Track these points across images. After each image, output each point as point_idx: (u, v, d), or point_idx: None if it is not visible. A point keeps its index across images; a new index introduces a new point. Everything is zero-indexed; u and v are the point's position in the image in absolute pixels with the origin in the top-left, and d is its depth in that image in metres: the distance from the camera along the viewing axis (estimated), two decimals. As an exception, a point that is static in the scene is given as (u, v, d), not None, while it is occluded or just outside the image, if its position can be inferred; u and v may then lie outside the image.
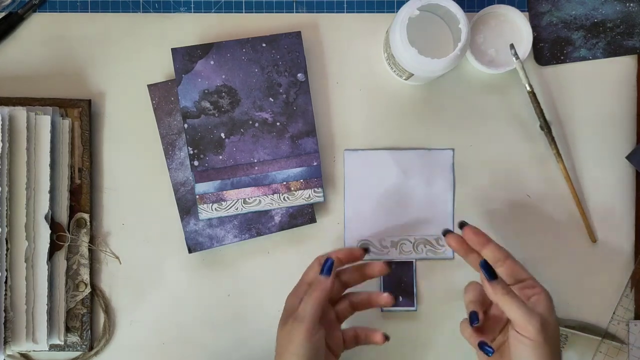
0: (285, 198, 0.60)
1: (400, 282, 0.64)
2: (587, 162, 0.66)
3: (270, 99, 0.60)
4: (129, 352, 0.65)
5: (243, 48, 0.60)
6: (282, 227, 0.61)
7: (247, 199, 0.60)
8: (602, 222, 0.66)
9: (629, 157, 0.65)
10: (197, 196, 0.60)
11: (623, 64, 0.66)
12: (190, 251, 0.62)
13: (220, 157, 0.60)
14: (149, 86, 0.61)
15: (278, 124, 0.60)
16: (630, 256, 0.66)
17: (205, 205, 0.60)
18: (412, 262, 0.65)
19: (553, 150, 0.65)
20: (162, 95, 0.61)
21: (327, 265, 0.54)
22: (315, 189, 0.61)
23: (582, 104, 0.66)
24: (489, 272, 0.51)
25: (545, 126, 0.64)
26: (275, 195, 0.60)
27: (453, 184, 0.65)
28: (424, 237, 0.65)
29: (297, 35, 0.61)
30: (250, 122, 0.60)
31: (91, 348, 0.64)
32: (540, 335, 0.48)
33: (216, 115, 0.60)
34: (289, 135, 0.60)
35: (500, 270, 0.53)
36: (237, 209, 0.60)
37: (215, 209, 0.60)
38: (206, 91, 0.60)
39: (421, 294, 0.65)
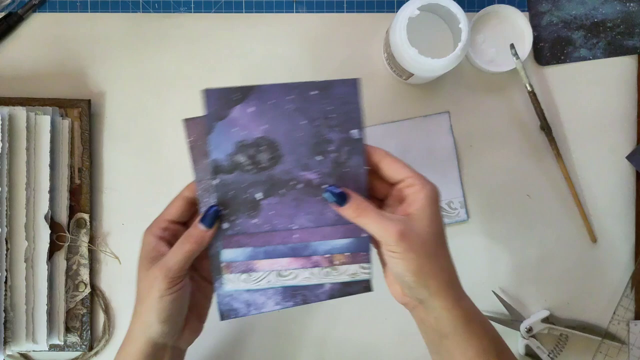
0: (327, 273, 0.52)
1: None
2: (587, 162, 0.66)
3: (318, 157, 0.50)
4: (129, 352, 0.65)
5: (290, 94, 0.50)
6: (333, 295, 0.52)
7: (282, 272, 0.51)
8: (602, 222, 0.66)
9: (629, 157, 0.65)
10: (223, 264, 0.51)
11: (623, 63, 0.66)
12: (222, 318, 0.51)
13: (254, 220, 0.50)
14: (185, 121, 0.50)
15: (325, 186, 0.50)
16: (630, 256, 0.66)
17: (231, 275, 0.51)
18: None
19: (553, 150, 0.65)
20: (201, 132, 0.50)
21: (210, 214, 0.48)
22: (363, 265, 0.51)
23: (582, 104, 0.66)
24: (337, 197, 0.47)
25: (545, 126, 0.64)
26: (315, 268, 0.51)
27: (454, 146, 0.65)
28: None
29: (355, 83, 0.50)
30: (293, 183, 0.50)
31: (91, 348, 0.64)
32: (401, 244, 0.45)
33: (253, 172, 0.50)
34: None
35: (381, 173, 0.49)
36: (269, 282, 0.51)
37: (244, 280, 0.51)
38: (243, 143, 0.50)
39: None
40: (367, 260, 0.51)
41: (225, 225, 0.50)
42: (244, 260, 0.51)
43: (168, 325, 0.47)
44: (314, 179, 0.50)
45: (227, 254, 0.50)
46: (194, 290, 0.50)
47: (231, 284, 0.51)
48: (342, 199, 0.47)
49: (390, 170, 0.48)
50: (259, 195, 0.50)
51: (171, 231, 0.49)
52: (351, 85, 0.50)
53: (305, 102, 0.50)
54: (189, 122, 0.50)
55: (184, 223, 0.50)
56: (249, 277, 0.51)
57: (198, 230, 0.47)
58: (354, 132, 0.50)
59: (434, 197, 0.47)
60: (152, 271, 0.47)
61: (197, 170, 0.50)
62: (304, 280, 0.51)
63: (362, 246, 0.51)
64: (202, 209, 0.49)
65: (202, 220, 0.47)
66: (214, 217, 0.48)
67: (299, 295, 0.52)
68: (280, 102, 0.50)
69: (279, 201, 0.50)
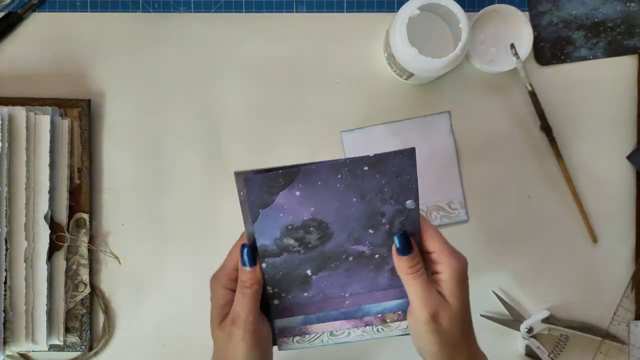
0: (380, 330, 0.51)
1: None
2: (587, 162, 0.66)
3: (370, 230, 0.48)
4: (129, 352, 0.65)
5: (338, 174, 0.46)
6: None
7: (334, 332, 0.51)
8: (602, 222, 0.66)
9: (629, 157, 0.65)
10: (277, 331, 0.50)
11: (623, 63, 0.66)
12: (279, 348, 0.52)
13: (306, 294, 0.50)
14: (236, 175, 0.47)
15: (377, 256, 0.49)
16: (631, 256, 0.66)
17: (285, 338, 0.51)
18: None
19: (553, 150, 0.65)
20: (260, 187, 0.47)
21: (244, 255, 0.47)
22: None
23: (582, 103, 0.66)
24: (403, 244, 0.47)
25: (545, 126, 0.64)
26: (367, 327, 0.51)
27: (455, 146, 0.65)
28: (435, 204, 0.65)
29: (410, 153, 0.46)
30: (344, 257, 0.49)
31: (91, 348, 0.64)
32: (430, 324, 0.46)
33: (302, 252, 0.49)
34: (389, 268, 0.49)
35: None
36: (322, 341, 0.51)
37: (297, 341, 0.51)
38: (290, 227, 0.48)
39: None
40: None
41: (276, 302, 0.50)
42: (296, 326, 0.51)
43: None
44: (365, 250, 0.49)
45: (280, 323, 0.50)
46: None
47: (285, 345, 0.51)
48: (407, 250, 0.47)
49: (424, 239, 0.48)
50: (309, 272, 0.49)
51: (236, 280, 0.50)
52: (406, 157, 0.46)
53: (356, 179, 0.47)
54: (249, 182, 0.46)
55: None
56: (302, 338, 0.51)
57: (245, 273, 0.48)
58: (409, 203, 0.47)
59: (461, 276, 0.47)
60: (233, 330, 0.47)
61: (249, 226, 0.48)
62: (357, 337, 0.51)
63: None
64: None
65: (243, 263, 0.48)
66: (250, 255, 0.47)
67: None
68: (328, 183, 0.47)
69: (330, 274, 0.49)
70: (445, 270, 0.47)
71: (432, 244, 0.47)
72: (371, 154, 0.46)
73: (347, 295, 0.50)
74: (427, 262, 0.48)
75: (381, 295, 0.50)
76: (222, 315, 0.49)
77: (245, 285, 0.48)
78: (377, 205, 0.47)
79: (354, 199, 0.47)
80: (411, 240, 0.47)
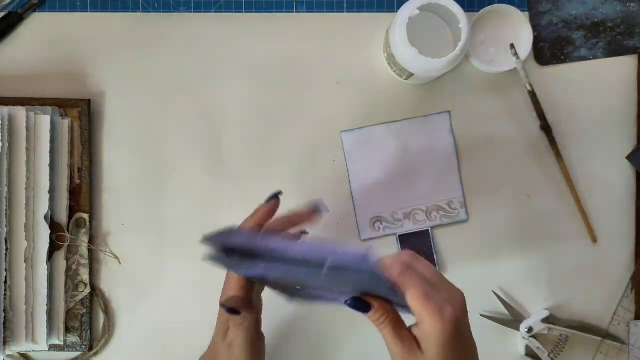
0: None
1: (419, 253, 0.62)
2: (587, 162, 0.66)
3: (341, 289, 0.46)
4: (129, 352, 0.65)
5: (300, 267, 0.45)
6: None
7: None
8: (602, 222, 0.66)
9: (629, 157, 0.65)
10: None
11: (623, 64, 0.66)
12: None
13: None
14: (205, 241, 0.49)
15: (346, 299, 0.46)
16: (631, 256, 0.66)
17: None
18: (428, 230, 0.64)
19: (553, 150, 0.65)
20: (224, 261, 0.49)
21: (227, 308, 0.50)
22: None
23: (582, 104, 0.66)
24: (360, 308, 0.45)
25: (545, 126, 0.64)
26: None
27: (455, 145, 0.65)
28: (435, 204, 0.65)
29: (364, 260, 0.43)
30: (316, 294, 0.49)
31: (91, 348, 0.64)
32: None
33: (280, 285, 0.51)
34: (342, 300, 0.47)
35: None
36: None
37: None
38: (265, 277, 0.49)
39: (442, 261, 0.65)
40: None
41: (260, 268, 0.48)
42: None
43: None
44: (336, 294, 0.47)
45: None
46: None
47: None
48: (364, 309, 0.45)
49: (405, 294, 0.43)
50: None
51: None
52: (363, 261, 0.43)
53: (315, 275, 0.44)
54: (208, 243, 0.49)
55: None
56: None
57: (235, 319, 0.52)
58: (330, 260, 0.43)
59: (443, 339, 0.42)
60: (233, 352, 0.52)
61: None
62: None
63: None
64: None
65: (226, 309, 0.51)
66: (234, 310, 0.51)
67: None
68: (290, 273, 0.46)
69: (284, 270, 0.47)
70: (425, 331, 0.43)
71: (413, 304, 0.43)
72: (328, 263, 0.43)
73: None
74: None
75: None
76: (225, 330, 0.53)
77: (237, 323, 0.51)
78: (342, 286, 0.46)
79: (318, 275, 0.44)
80: (364, 300, 0.45)
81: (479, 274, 0.65)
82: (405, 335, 0.45)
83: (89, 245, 0.63)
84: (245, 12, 0.65)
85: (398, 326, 0.45)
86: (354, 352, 0.65)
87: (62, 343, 0.63)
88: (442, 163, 0.65)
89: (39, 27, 0.65)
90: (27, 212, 0.59)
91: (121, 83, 0.65)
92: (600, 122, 0.66)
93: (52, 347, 0.63)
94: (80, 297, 0.63)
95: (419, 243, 0.64)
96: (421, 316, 0.43)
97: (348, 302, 0.45)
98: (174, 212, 0.64)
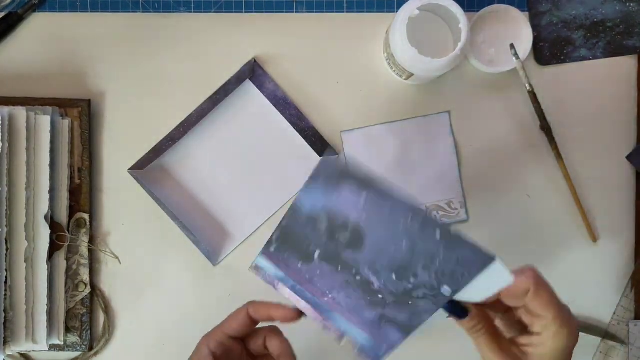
0: (333, 339, 0.49)
1: None
2: (587, 162, 0.66)
3: (393, 275, 0.46)
4: (129, 352, 0.65)
5: (411, 216, 0.45)
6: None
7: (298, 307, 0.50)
8: (602, 222, 0.66)
9: (629, 157, 0.65)
10: (253, 265, 0.50)
11: (623, 64, 0.66)
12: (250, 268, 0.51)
13: (299, 265, 0.49)
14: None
15: (380, 296, 0.47)
16: (631, 256, 0.66)
17: (256, 270, 0.50)
18: None
19: (553, 150, 0.65)
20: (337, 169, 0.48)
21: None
22: None
23: (582, 103, 0.66)
24: (456, 312, 0.43)
25: (545, 126, 0.64)
26: (325, 330, 0.49)
27: (454, 146, 0.65)
28: (436, 204, 0.65)
29: (488, 262, 0.43)
30: (353, 271, 0.47)
31: (91, 348, 0.64)
32: None
33: (324, 237, 0.48)
34: (381, 314, 0.47)
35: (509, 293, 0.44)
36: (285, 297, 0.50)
37: (262, 277, 0.51)
38: (331, 214, 0.47)
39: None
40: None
41: (273, 248, 0.49)
42: (271, 275, 0.49)
43: None
44: (374, 283, 0.47)
45: (262, 262, 0.49)
46: None
47: (253, 269, 0.50)
48: (462, 315, 0.44)
49: (535, 300, 0.42)
50: (316, 255, 0.48)
51: (225, 348, 0.47)
52: (481, 261, 0.43)
53: (421, 234, 0.44)
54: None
55: (242, 339, 0.49)
56: (267, 281, 0.50)
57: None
58: (445, 289, 0.44)
59: (569, 352, 0.41)
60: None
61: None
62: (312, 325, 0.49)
63: (374, 352, 0.47)
64: None
65: None
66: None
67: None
68: (394, 215, 0.45)
69: (331, 271, 0.48)
70: (547, 340, 0.41)
71: (543, 308, 0.42)
72: (456, 233, 0.43)
73: (329, 294, 0.48)
74: (511, 314, 0.45)
75: (355, 320, 0.48)
76: None
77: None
78: (418, 266, 0.45)
79: (404, 244, 0.45)
80: (464, 305, 0.43)
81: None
82: (506, 346, 0.43)
83: (89, 245, 0.63)
84: (245, 12, 0.65)
85: (497, 336, 0.43)
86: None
87: (62, 343, 0.63)
88: (442, 163, 0.65)
89: (39, 27, 0.65)
90: (27, 212, 0.59)
91: (121, 83, 0.65)
92: (600, 122, 0.66)
93: (52, 347, 0.63)
94: (80, 297, 0.63)
95: None
96: (547, 325, 0.41)
97: (445, 305, 0.43)
98: (173, 211, 0.64)
